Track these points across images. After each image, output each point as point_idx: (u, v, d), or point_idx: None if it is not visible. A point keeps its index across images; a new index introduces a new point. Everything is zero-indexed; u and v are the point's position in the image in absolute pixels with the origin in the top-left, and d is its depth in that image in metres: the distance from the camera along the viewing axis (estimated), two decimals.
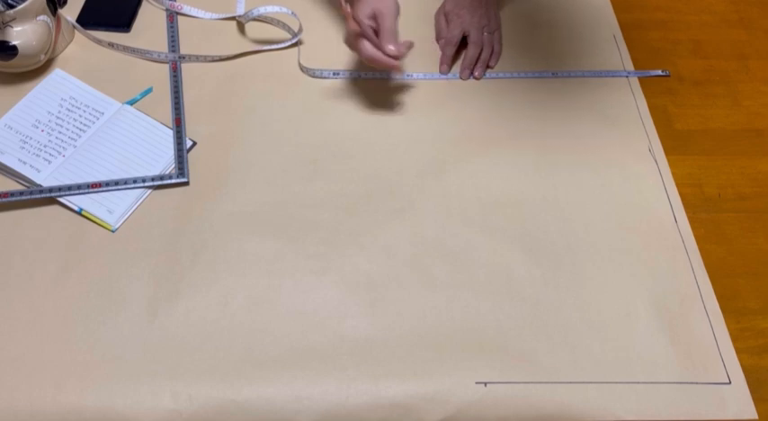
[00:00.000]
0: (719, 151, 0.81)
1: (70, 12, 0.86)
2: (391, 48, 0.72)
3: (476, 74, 0.84)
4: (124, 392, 0.61)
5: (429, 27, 0.90)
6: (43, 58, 0.80)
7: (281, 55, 0.87)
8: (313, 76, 0.84)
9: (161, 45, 0.86)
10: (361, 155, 0.78)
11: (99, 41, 0.86)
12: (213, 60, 0.85)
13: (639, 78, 0.86)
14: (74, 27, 0.86)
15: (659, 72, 0.83)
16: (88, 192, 0.72)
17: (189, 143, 0.78)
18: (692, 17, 0.95)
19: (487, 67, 0.85)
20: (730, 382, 0.64)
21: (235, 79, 0.84)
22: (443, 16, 0.87)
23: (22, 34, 0.77)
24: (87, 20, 0.88)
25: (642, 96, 0.85)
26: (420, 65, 0.86)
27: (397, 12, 0.73)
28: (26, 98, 0.79)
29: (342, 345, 0.65)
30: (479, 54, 0.84)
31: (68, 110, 0.79)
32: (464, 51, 0.86)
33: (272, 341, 0.65)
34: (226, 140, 0.78)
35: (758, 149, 0.82)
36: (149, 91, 0.82)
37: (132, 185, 0.73)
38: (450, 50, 0.85)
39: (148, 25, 0.89)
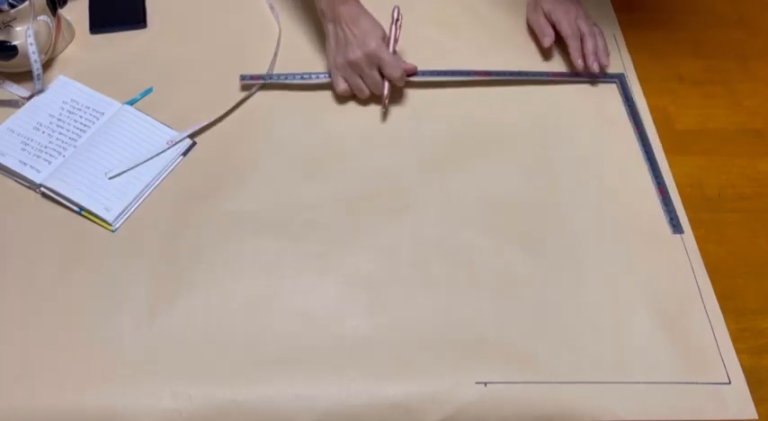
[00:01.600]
0: (719, 151, 0.81)
1: (78, 14, 0.86)
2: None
3: (603, 61, 0.84)
4: (124, 392, 0.61)
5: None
6: (43, 57, 0.80)
7: (282, 55, 0.87)
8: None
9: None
10: (362, 155, 0.78)
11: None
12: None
13: (640, 78, 0.86)
14: (91, 32, 0.86)
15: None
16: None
17: (189, 143, 0.78)
18: (692, 17, 0.95)
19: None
20: (730, 382, 0.64)
21: (235, 79, 0.84)
22: (543, 16, 0.86)
23: (22, 34, 0.77)
24: (99, 23, 0.87)
25: (642, 96, 0.85)
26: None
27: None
28: (29, 102, 0.79)
29: (342, 345, 0.65)
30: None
31: (69, 112, 0.79)
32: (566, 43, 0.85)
33: (272, 341, 0.65)
34: (226, 140, 0.78)
35: (758, 149, 0.81)
36: (149, 91, 0.82)
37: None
38: (578, 43, 0.84)
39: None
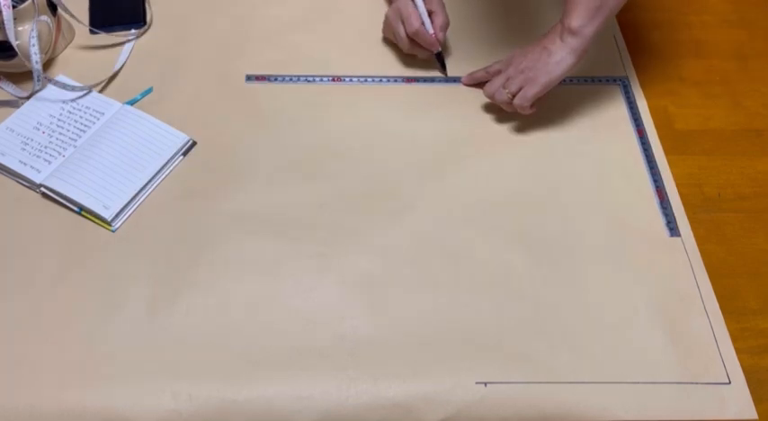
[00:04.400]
0: (719, 151, 0.81)
1: (78, 14, 0.85)
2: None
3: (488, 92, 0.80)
4: (124, 392, 0.61)
5: None
6: (43, 57, 0.80)
7: (282, 55, 0.87)
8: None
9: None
10: (362, 155, 0.78)
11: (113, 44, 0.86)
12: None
13: (639, 78, 0.86)
14: (91, 32, 0.86)
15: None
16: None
17: (189, 143, 0.78)
18: (692, 17, 0.95)
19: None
20: (730, 382, 0.64)
21: (235, 79, 0.84)
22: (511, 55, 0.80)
23: (22, 34, 0.77)
24: (99, 23, 0.87)
25: (642, 96, 0.85)
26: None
27: None
28: (28, 102, 0.79)
29: (342, 345, 0.65)
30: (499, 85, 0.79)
31: (69, 112, 0.79)
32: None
33: (272, 341, 0.65)
34: (226, 140, 0.78)
35: (758, 149, 0.81)
36: (149, 91, 0.82)
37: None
38: (483, 77, 0.82)
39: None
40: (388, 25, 0.84)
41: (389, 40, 0.87)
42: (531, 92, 0.75)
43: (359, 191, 0.75)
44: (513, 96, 0.76)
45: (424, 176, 0.76)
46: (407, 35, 0.81)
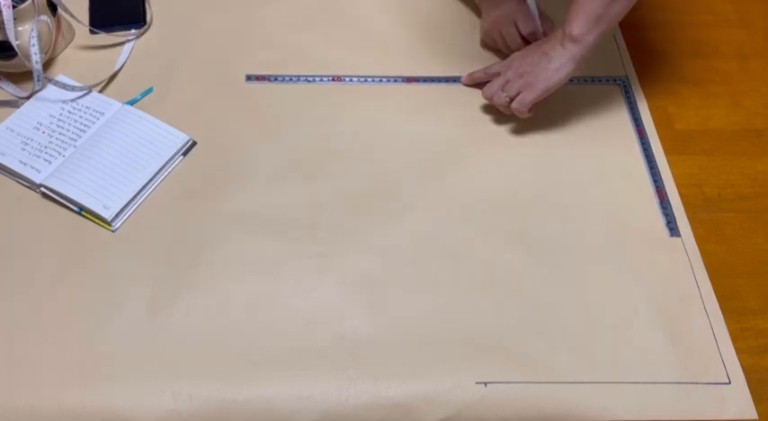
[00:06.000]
0: (719, 151, 0.81)
1: (78, 14, 0.85)
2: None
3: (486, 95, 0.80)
4: (124, 392, 0.61)
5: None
6: (43, 57, 0.80)
7: (282, 55, 0.87)
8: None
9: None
10: (362, 155, 0.78)
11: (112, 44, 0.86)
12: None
13: (640, 78, 0.86)
14: (91, 32, 0.86)
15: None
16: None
17: (189, 143, 0.78)
18: (692, 17, 0.95)
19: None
20: (730, 382, 0.64)
21: (235, 79, 0.84)
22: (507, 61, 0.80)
23: (22, 34, 0.77)
24: (99, 23, 0.87)
25: (642, 96, 0.85)
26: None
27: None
28: (28, 102, 0.79)
29: (342, 345, 0.65)
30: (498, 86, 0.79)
31: (69, 112, 0.79)
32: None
33: (272, 341, 0.65)
34: (226, 140, 0.78)
35: (758, 149, 0.82)
36: (149, 91, 0.82)
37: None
38: (482, 78, 0.82)
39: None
40: (494, 27, 0.84)
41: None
42: (529, 97, 0.75)
43: (359, 191, 0.75)
44: (512, 100, 0.76)
45: (424, 176, 0.76)
46: (521, 35, 0.82)
